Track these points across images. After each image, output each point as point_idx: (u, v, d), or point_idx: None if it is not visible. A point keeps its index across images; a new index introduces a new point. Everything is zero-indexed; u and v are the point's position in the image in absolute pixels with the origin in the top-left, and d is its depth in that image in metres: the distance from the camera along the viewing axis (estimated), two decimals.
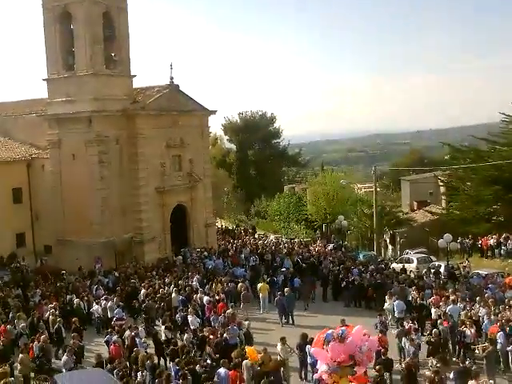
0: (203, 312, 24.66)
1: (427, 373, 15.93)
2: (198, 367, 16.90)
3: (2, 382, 8.65)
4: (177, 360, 17.39)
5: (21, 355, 18.71)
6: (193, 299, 25.98)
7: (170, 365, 17.75)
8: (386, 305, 24.88)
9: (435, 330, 19.70)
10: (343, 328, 14.35)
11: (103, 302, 25.61)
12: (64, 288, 29.21)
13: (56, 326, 22.51)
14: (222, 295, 26.63)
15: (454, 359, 19.80)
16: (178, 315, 23.70)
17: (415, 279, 29.60)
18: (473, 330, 19.97)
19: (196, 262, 34.66)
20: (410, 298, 25.34)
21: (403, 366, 16.84)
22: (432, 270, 32.23)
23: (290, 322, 25.63)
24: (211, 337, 19.74)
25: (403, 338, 19.48)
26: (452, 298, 23.52)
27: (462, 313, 22.11)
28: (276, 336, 20.71)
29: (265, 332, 24.00)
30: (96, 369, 17.64)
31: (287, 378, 18.25)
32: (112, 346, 19.46)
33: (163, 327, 21.90)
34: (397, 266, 35.40)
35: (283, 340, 18.63)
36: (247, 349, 18.13)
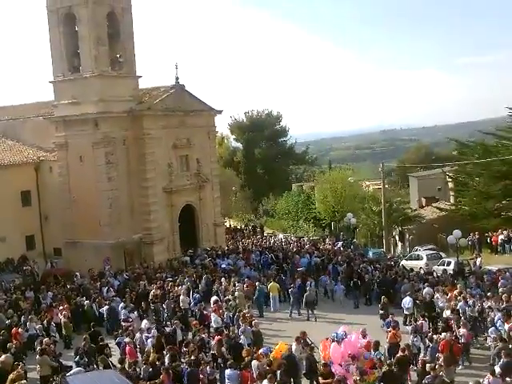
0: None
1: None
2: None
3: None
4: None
5: (40, 357, 18.64)
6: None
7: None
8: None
9: (450, 332, 19.20)
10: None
11: (113, 304, 25.60)
12: (75, 290, 29.23)
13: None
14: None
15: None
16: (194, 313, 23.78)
17: (425, 276, 29.33)
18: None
19: (206, 263, 34.56)
20: (422, 296, 24.98)
21: (419, 363, 16.66)
22: (442, 267, 32.00)
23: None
24: (220, 337, 19.59)
25: (416, 336, 19.28)
26: (462, 294, 23.32)
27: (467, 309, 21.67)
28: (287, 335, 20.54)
29: (276, 331, 23.85)
30: (108, 370, 17.60)
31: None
32: (127, 348, 19.40)
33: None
34: (406, 263, 35.22)
35: (298, 340, 18.31)
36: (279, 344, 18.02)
